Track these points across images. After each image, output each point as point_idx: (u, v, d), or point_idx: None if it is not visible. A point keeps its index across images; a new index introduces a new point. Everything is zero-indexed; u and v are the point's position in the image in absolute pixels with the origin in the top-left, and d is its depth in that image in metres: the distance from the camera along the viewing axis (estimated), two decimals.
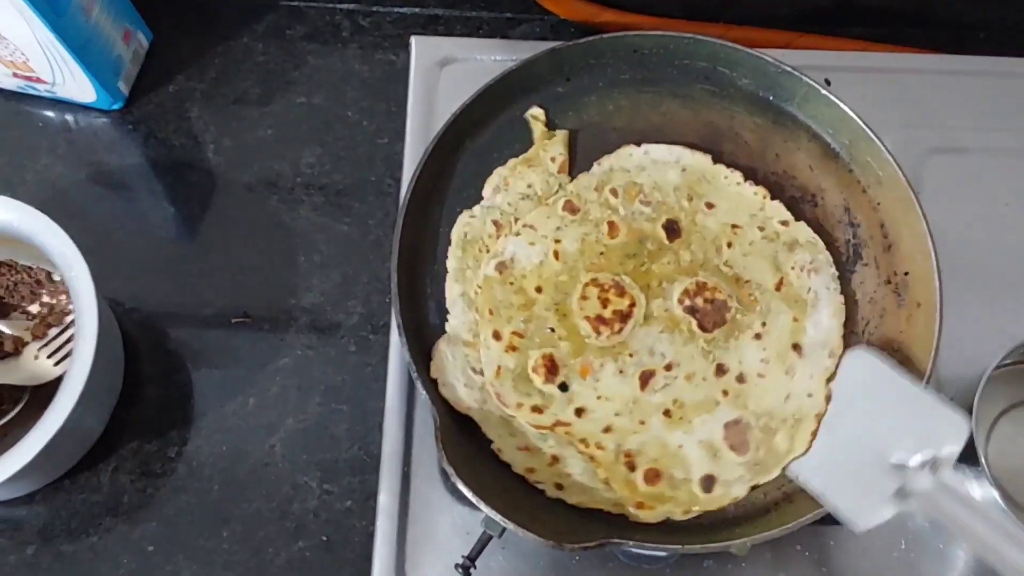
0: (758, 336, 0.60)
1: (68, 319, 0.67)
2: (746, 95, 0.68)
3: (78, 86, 0.73)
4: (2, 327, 0.66)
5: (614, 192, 0.64)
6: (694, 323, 0.60)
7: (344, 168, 0.75)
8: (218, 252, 0.72)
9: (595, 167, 0.66)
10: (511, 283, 0.60)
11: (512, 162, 0.65)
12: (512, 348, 0.58)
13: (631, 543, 0.52)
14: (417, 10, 0.82)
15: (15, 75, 0.73)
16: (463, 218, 0.63)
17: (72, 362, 0.58)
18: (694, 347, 0.60)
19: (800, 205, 0.66)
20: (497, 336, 0.58)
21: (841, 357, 0.58)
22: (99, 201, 0.74)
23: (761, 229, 0.64)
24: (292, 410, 0.67)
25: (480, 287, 0.60)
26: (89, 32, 0.69)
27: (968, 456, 0.59)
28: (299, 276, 0.71)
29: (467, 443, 0.55)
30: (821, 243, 0.64)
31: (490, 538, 0.52)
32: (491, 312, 0.59)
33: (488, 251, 0.61)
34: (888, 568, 0.61)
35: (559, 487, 0.56)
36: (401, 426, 0.55)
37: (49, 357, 0.65)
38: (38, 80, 0.73)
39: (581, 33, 0.80)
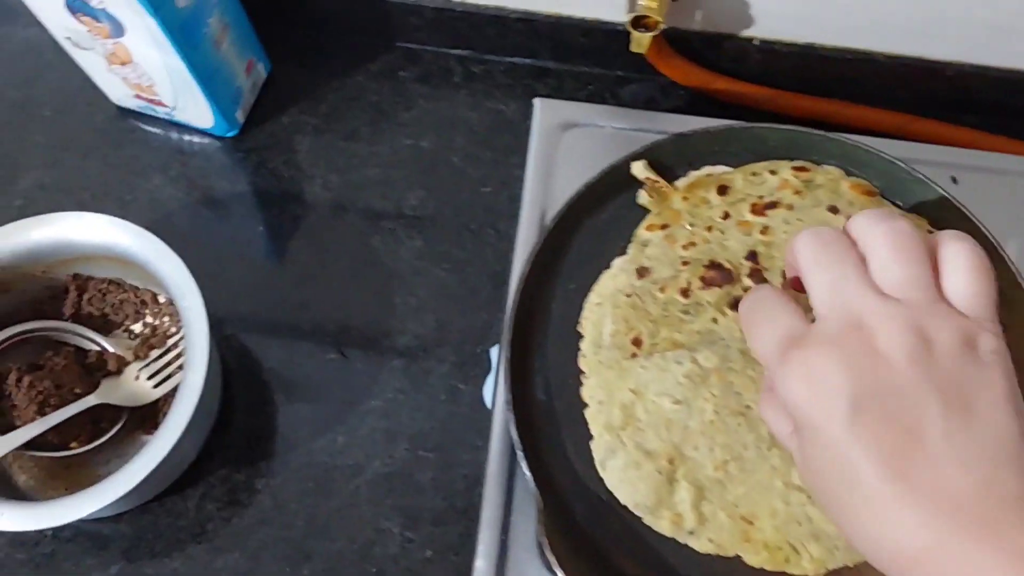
0: None
1: (170, 342, 0.68)
2: None
3: (198, 111, 0.74)
4: (106, 344, 0.67)
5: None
6: None
7: (446, 213, 0.76)
8: (317, 287, 0.73)
9: None
10: None
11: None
12: None
13: None
14: (529, 61, 0.82)
15: (137, 96, 0.75)
16: None
17: (180, 391, 0.58)
18: None
19: None
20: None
21: None
22: (205, 225, 0.75)
23: None
24: (380, 453, 0.67)
25: None
26: (217, 63, 0.71)
27: None
28: (395, 318, 0.72)
29: (571, 530, 0.54)
30: None
31: None
32: None
33: None
34: None
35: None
36: (502, 491, 0.55)
37: (149, 379, 0.66)
38: (159, 103, 0.75)
39: (690, 97, 0.81)
